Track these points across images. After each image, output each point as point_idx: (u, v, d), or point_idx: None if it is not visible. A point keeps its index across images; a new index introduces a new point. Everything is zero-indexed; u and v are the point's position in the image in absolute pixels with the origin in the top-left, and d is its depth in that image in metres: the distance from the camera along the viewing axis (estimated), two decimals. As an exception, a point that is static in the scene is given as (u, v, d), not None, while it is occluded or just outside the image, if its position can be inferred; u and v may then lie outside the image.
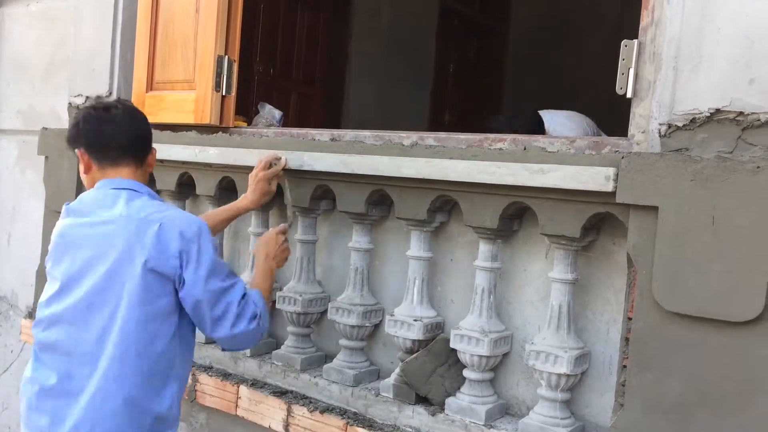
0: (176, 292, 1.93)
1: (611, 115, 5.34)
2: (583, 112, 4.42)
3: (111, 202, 1.94)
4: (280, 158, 2.48)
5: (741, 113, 1.73)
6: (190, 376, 2.74)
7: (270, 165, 2.47)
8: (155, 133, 2.95)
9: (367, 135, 2.48)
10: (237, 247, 3.00)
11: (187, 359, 2.07)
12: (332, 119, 5.23)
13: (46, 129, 3.37)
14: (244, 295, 2.01)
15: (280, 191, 2.57)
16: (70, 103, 3.38)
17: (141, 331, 1.89)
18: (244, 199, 2.48)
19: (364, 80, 5.46)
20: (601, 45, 6.85)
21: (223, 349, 2.63)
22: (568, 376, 2.01)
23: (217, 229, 2.49)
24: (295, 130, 2.74)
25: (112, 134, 1.98)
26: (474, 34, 6.72)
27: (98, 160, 2.00)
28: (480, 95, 6.64)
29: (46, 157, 3.35)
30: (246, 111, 3.59)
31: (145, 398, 1.91)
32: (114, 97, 3.22)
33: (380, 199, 2.44)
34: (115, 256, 1.88)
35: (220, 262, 2.00)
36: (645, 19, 1.96)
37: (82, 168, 2.05)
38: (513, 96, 6.95)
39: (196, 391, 2.73)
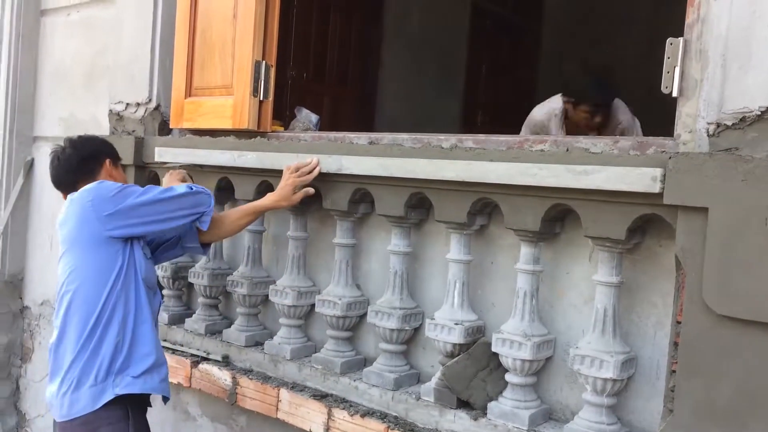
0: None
1: (646, 113, 5.27)
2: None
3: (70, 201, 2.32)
4: (310, 164, 2.50)
5: (793, 111, 1.68)
6: (231, 379, 2.76)
7: (298, 170, 2.51)
8: (194, 139, 3.01)
9: (405, 138, 2.48)
10: (276, 252, 3.02)
11: None
12: (365, 122, 5.24)
13: (87, 136, 3.42)
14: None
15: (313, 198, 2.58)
16: (110, 110, 3.44)
17: None
18: (266, 198, 2.57)
19: (396, 82, 5.46)
20: (634, 43, 6.78)
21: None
22: (614, 380, 1.97)
23: (239, 224, 2.56)
24: (332, 134, 2.74)
25: (58, 175, 2.41)
26: (506, 34, 6.67)
27: (64, 195, 2.41)
28: (513, 96, 6.58)
29: (88, 164, 3.39)
30: (280, 116, 3.61)
31: None
32: (153, 104, 3.28)
33: (419, 202, 2.43)
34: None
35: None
36: (691, 16, 1.92)
37: None
38: (545, 96, 6.88)
39: (236, 393, 2.75)
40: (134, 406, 2.29)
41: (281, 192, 2.51)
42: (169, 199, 2.31)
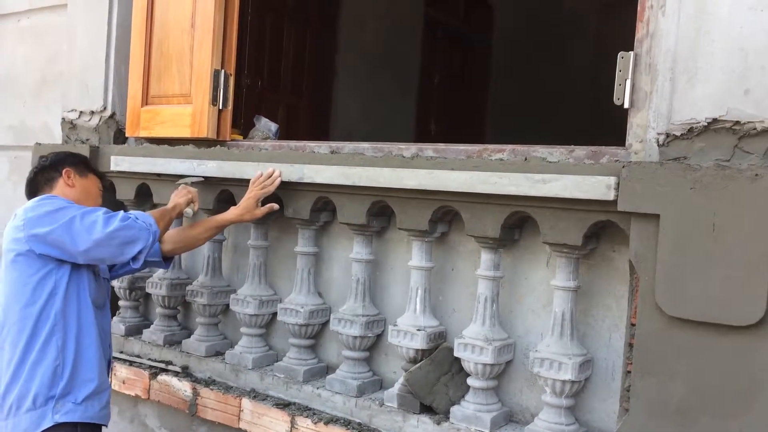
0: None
1: (592, 124, 5.43)
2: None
3: None
4: (272, 175, 2.52)
5: (737, 122, 1.78)
6: (191, 390, 2.74)
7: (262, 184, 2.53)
8: (152, 147, 2.98)
9: (366, 147, 2.51)
10: (237, 261, 3.01)
11: None
12: (320, 131, 5.25)
13: (39, 144, 3.35)
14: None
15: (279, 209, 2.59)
16: (63, 119, 3.38)
17: None
18: (229, 212, 2.56)
19: (350, 92, 5.50)
20: (580, 56, 6.99)
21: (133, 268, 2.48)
22: (572, 382, 2.04)
23: (202, 237, 2.58)
24: (293, 143, 2.76)
25: (25, 186, 2.44)
26: (458, 46, 6.80)
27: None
28: (464, 105, 6.70)
29: (40, 173, 3.32)
30: (235, 123, 3.59)
31: None
32: (108, 112, 3.23)
33: (380, 210, 2.46)
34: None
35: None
36: (640, 31, 2.02)
37: None
38: (496, 106, 7.03)
39: (197, 404, 2.72)
40: (85, 426, 2.22)
41: (244, 205, 2.52)
42: (96, 232, 2.15)
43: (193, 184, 2.69)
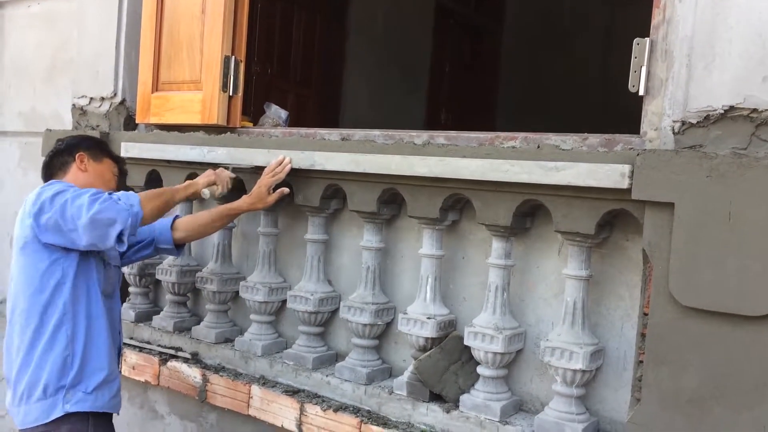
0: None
1: (603, 113, 5.39)
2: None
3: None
4: (282, 162, 2.50)
5: (755, 110, 1.75)
6: (200, 376, 2.75)
7: (273, 172, 2.51)
8: (162, 134, 2.97)
9: (377, 134, 2.49)
10: (246, 248, 3.00)
11: None
12: (329, 119, 5.24)
13: (50, 131, 3.35)
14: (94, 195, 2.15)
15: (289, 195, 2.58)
16: (74, 105, 3.38)
17: None
18: (241, 200, 2.54)
19: (360, 80, 5.47)
20: (591, 45, 6.95)
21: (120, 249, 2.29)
22: (583, 371, 2.03)
23: (214, 226, 2.57)
24: (303, 130, 2.74)
25: (41, 170, 2.41)
26: (469, 34, 6.75)
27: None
28: (475, 94, 6.67)
29: (50, 159, 3.33)
30: (244, 111, 3.58)
31: None
32: (119, 98, 3.23)
33: (391, 198, 2.45)
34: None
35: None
36: (656, 18, 1.99)
37: None
38: (506, 94, 6.99)
39: (206, 391, 2.73)
40: (96, 415, 2.22)
41: (256, 193, 2.50)
42: (83, 217, 2.07)
43: (233, 170, 2.61)
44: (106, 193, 2.17)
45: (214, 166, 2.74)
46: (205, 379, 2.73)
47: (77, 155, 2.36)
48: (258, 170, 2.56)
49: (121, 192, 2.22)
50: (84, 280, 2.21)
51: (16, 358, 2.18)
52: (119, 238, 2.12)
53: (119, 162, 2.52)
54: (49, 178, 2.35)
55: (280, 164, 2.51)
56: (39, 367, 2.14)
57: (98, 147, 2.45)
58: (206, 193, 2.49)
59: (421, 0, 5.94)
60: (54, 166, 2.36)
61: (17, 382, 2.17)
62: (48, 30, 3.68)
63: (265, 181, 2.50)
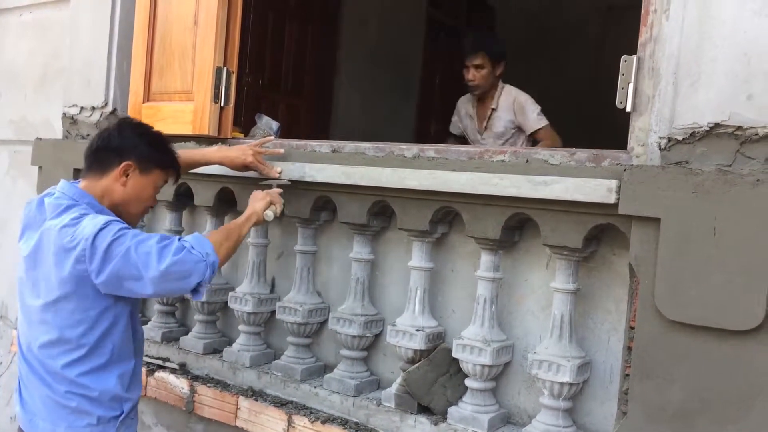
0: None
1: (594, 127, 5.43)
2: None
3: (57, 213, 2.02)
4: (270, 173, 2.52)
5: (739, 127, 1.78)
6: (188, 387, 2.74)
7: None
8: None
9: (367, 147, 2.51)
10: (235, 258, 3.00)
11: None
12: (321, 130, 5.26)
13: (40, 139, 3.35)
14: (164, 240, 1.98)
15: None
16: (64, 114, 3.37)
17: None
18: (219, 150, 2.51)
19: (351, 91, 5.50)
20: (581, 59, 7.00)
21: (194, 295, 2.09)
22: (570, 384, 2.04)
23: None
24: (294, 141, 2.76)
25: (87, 147, 2.17)
26: (460, 46, 6.78)
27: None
28: (466, 107, 6.70)
29: (40, 168, 3.32)
30: (235, 121, 3.59)
31: None
32: (110, 108, 3.23)
33: (381, 210, 2.46)
34: (55, 274, 1.99)
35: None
36: (644, 35, 2.02)
37: None
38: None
39: (194, 402, 2.72)
40: None
41: (236, 152, 2.50)
42: (152, 269, 1.92)
43: (279, 186, 2.49)
44: (176, 239, 1.99)
45: (207, 176, 2.74)
46: (193, 390, 2.73)
47: (125, 163, 2.08)
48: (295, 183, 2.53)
49: (191, 237, 2.04)
50: (132, 316, 2.13)
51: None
52: (196, 288, 1.99)
53: (173, 169, 2.23)
54: (88, 170, 2.11)
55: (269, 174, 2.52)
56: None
57: (154, 153, 2.14)
58: (269, 215, 2.34)
59: (412, 12, 5.99)
60: (95, 160, 2.10)
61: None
62: (39, 38, 3.68)
63: (252, 150, 2.52)
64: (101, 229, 1.92)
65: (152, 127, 2.25)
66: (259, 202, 2.32)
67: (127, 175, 2.09)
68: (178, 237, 2.04)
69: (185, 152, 2.47)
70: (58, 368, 2.01)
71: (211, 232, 2.23)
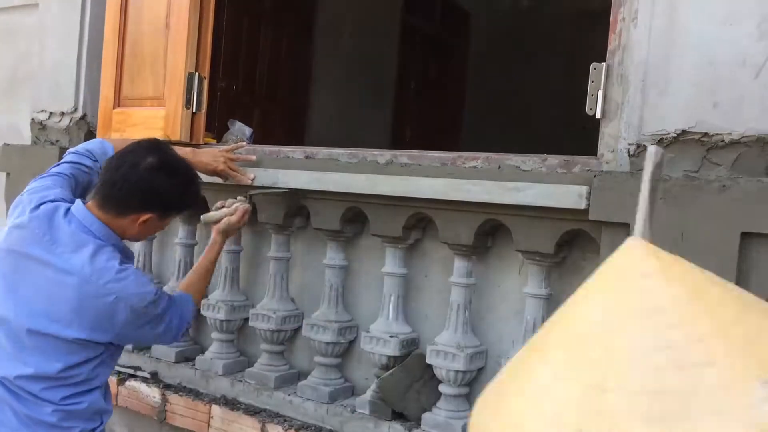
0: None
1: (566, 132, 5.47)
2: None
3: (77, 245, 1.85)
4: (242, 180, 2.49)
5: (706, 134, 1.81)
6: (160, 396, 2.71)
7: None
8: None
9: (341, 153, 2.51)
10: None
11: None
12: (296, 135, 5.23)
13: (7, 145, 3.29)
14: (169, 310, 1.98)
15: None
16: (33, 119, 3.32)
17: None
18: (191, 154, 2.39)
19: (326, 97, 5.49)
20: (554, 64, 7.07)
21: None
22: (543, 389, 2.05)
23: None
24: (267, 148, 2.74)
25: (109, 180, 1.92)
26: (435, 52, 6.83)
27: (96, 192, 1.98)
28: (441, 112, 6.74)
29: (8, 174, 3.27)
30: (208, 127, 3.57)
31: None
32: (79, 113, 3.18)
33: (354, 216, 2.46)
34: (62, 312, 1.84)
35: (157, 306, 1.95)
36: (612, 43, 2.04)
37: None
38: (473, 112, 7.08)
39: (166, 411, 2.69)
40: None
41: (207, 158, 2.46)
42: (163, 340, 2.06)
43: (253, 195, 2.44)
44: (165, 295, 1.98)
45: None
46: (165, 399, 2.70)
47: (147, 216, 1.91)
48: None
49: (182, 302, 2.04)
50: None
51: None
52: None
53: (192, 210, 2.24)
54: (103, 202, 1.90)
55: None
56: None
57: (178, 203, 2.02)
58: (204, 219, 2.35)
59: (387, 18, 6.00)
60: (116, 198, 1.89)
61: None
62: (7, 43, 3.62)
63: (224, 156, 2.49)
64: (148, 304, 1.89)
65: (186, 163, 2.06)
66: (221, 224, 2.30)
67: (144, 224, 1.95)
68: (169, 297, 1.99)
69: None
70: (38, 392, 1.86)
71: (190, 278, 2.21)
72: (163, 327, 1.97)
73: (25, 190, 2.00)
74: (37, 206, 1.90)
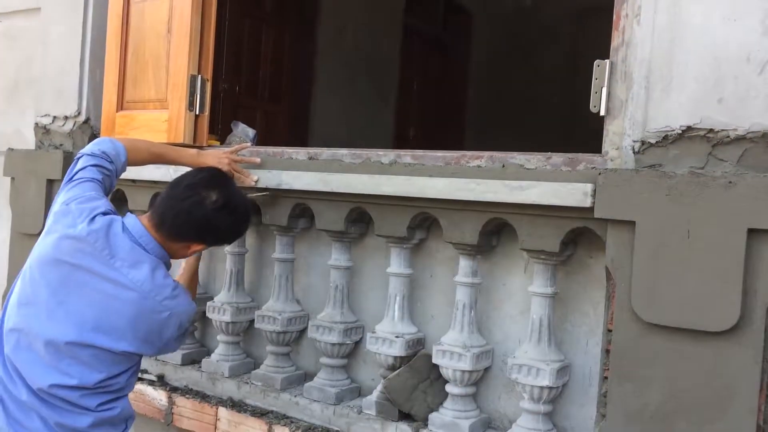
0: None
1: (569, 130, 5.46)
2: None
3: (135, 261, 1.89)
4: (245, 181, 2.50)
5: (711, 130, 1.80)
6: (166, 399, 2.71)
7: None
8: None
9: (344, 153, 2.50)
10: (213, 268, 2.98)
11: None
12: (299, 136, 5.23)
13: (12, 150, 3.30)
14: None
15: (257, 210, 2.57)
16: (36, 124, 3.33)
17: None
18: (195, 155, 2.38)
19: (329, 97, 5.49)
20: (556, 62, 7.06)
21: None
22: (550, 388, 2.05)
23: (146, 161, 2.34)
24: (271, 149, 2.74)
25: (180, 213, 1.95)
26: (437, 52, 6.83)
27: (154, 203, 2.04)
28: (444, 111, 6.73)
29: (12, 179, 3.27)
30: (211, 129, 3.57)
31: None
32: (83, 117, 3.19)
33: (359, 216, 2.45)
34: (115, 324, 1.87)
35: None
36: (616, 40, 2.03)
37: None
38: (475, 111, 7.07)
39: (173, 414, 2.69)
40: None
41: (212, 160, 2.42)
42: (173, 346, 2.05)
43: (257, 197, 2.50)
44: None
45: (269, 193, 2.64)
46: (171, 402, 2.70)
47: (199, 247, 2.04)
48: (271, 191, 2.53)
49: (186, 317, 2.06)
50: None
51: None
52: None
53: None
54: (162, 224, 1.94)
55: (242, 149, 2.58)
56: None
57: (228, 238, 2.19)
58: None
59: (389, 18, 6.00)
60: (179, 225, 1.95)
61: None
62: (10, 48, 3.63)
63: (228, 158, 2.44)
64: (192, 321, 2.05)
65: (245, 200, 2.12)
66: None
67: (196, 250, 2.06)
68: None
69: (162, 147, 2.38)
70: (76, 399, 1.87)
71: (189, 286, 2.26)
72: (184, 339, 2.09)
73: (69, 199, 1.94)
74: (92, 218, 1.89)
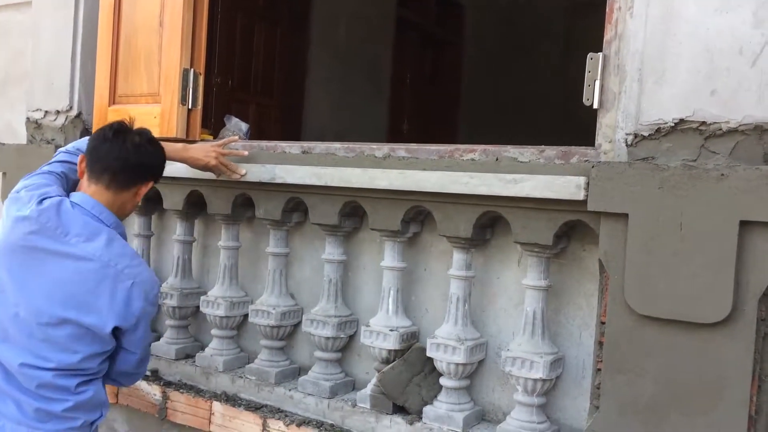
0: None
1: (563, 123, 5.47)
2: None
3: (90, 233, 1.93)
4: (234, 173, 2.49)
5: (704, 123, 1.81)
6: (160, 393, 2.71)
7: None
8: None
9: (338, 147, 2.50)
10: (207, 262, 2.97)
11: None
12: (292, 130, 5.23)
13: (3, 145, 3.28)
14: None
15: (243, 204, 2.56)
16: (28, 118, 3.30)
17: None
18: (183, 149, 2.42)
19: (322, 91, 5.48)
20: (550, 55, 7.08)
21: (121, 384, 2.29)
22: (543, 380, 2.05)
23: None
24: (264, 143, 2.73)
25: (119, 158, 2.00)
26: (430, 46, 6.82)
27: (89, 170, 2.03)
28: (437, 105, 6.73)
29: (4, 174, 3.26)
30: (204, 123, 3.55)
31: None
32: (75, 111, 3.17)
33: (353, 210, 2.45)
34: (81, 298, 1.89)
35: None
36: (609, 33, 2.03)
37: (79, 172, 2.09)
38: (468, 104, 7.07)
39: (167, 408, 2.69)
40: None
41: (202, 152, 2.46)
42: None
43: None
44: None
45: (176, 180, 2.70)
46: (165, 397, 2.69)
47: (146, 184, 2.08)
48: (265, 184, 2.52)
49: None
50: None
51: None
52: None
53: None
54: (108, 183, 1.98)
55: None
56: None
57: (164, 167, 2.21)
58: None
59: (381, 12, 5.98)
60: (126, 175, 2.01)
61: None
62: (1, 42, 3.60)
63: (215, 152, 2.45)
64: (157, 295, 2.04)
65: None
66: None
67: (139, 196, 2.08)
68: None
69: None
70: (50, 378, 1.90)
71: None
72: (150, 337, 2.11)
73: (19, 187, 2.02)
74: (40, 201, 1.94)
